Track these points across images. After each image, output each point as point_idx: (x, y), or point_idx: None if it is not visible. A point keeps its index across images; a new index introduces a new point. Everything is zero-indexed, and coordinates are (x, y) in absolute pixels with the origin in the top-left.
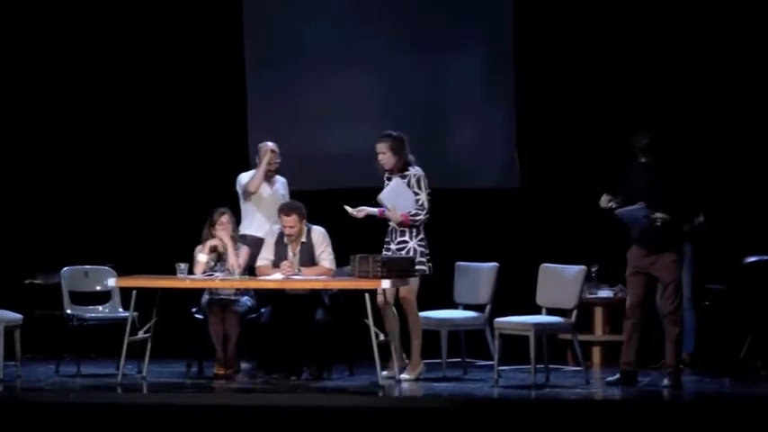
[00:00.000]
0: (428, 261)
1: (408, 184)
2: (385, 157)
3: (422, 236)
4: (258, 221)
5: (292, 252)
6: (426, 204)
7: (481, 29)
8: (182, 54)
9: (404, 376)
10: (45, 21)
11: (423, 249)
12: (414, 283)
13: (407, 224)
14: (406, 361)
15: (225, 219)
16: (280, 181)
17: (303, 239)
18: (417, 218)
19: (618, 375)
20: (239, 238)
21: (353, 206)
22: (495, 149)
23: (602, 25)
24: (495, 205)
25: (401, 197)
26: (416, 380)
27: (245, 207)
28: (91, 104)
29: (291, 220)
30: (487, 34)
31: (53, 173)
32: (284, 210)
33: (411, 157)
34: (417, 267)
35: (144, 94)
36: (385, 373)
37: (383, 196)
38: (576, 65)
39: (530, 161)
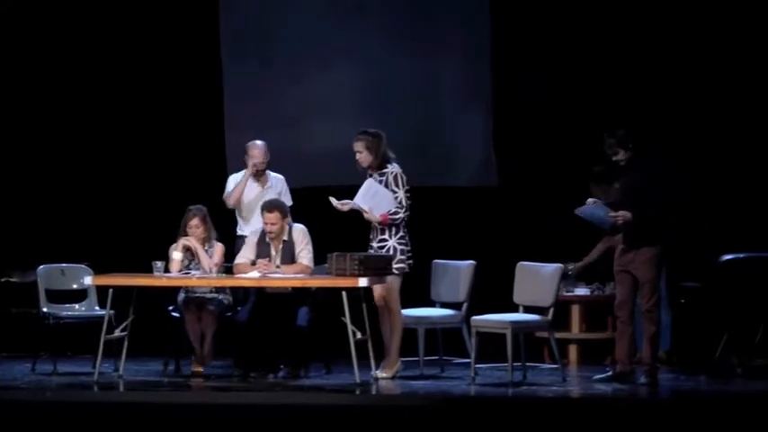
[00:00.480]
0: (408, 259)
1: (386, 182)
2: (362, 155)
3: (401, 233)
4: (252, 223)
5: (275, 250)
6: (405, 202)
7: (458, 28)
8: (157, 50)
9: (380, 374)
10: (20, 19)
11: (403, 247)
12: (395, 281)
13: (387, 223)
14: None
15: (194, 222)
16: (273, 179)
17: (285, 238)
18: (397, 216)
19: (609, 372)
20: (238, 240)
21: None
22: (472, 148)
23: (579, 25)
24: (472, 203)
25: (377, 197)
26: (393, 378)
27: (238, 209)
28: (66, 103)
29: (273, 217)
30: (465, 34)
31: (29, 171)
32: (266, 207)
33: (391, 155)
34: (397, 266)
35: (119, 91)
36: (379, 371)
37: (357, 199)
38: (552, 64)
39: (507, 159)
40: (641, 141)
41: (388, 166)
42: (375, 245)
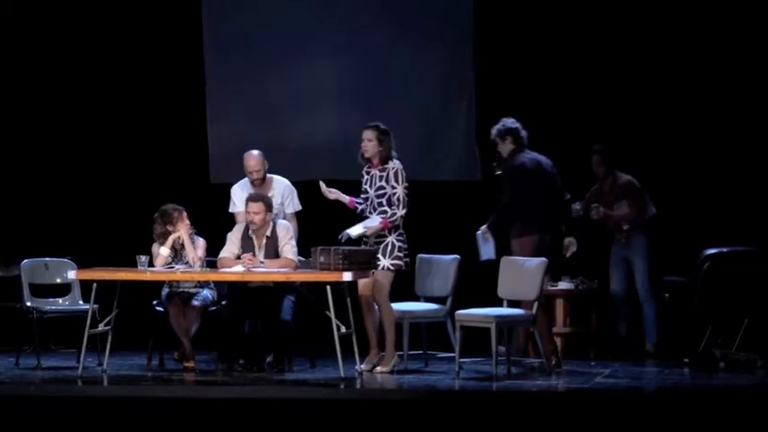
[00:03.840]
0: (405, 256)
1: (386, 177)
2: (370, 144)
3: (400, 230)
4: None
5: (258, 246)
6: (403, 198)
7: (442, 24)
8: (140, 46)
9: (378, 369)
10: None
11: (401, 244)
12: (386, 277)
13: (388, 227)
14: (382, 354)
15: (184, 215)
16: (277, 183)
17: (268, 234)
18: (395, 217)
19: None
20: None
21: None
22: (456, 142)
23: (563, 22)
24: (456, 198)
25: (367, 221)
26: (391, 372)
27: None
28: (49, 99)
29: (256, 206)
30: (449, 29)
31: (12, 166)
32: (251, 197)
33: (394, 153)
34: (393, 262)
35: (103, 87)
36: (363, 366)
37: (351, 231)
38: (536, 59)
39: (491, 154)
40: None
41: (390, 162)
42: (372, 241)
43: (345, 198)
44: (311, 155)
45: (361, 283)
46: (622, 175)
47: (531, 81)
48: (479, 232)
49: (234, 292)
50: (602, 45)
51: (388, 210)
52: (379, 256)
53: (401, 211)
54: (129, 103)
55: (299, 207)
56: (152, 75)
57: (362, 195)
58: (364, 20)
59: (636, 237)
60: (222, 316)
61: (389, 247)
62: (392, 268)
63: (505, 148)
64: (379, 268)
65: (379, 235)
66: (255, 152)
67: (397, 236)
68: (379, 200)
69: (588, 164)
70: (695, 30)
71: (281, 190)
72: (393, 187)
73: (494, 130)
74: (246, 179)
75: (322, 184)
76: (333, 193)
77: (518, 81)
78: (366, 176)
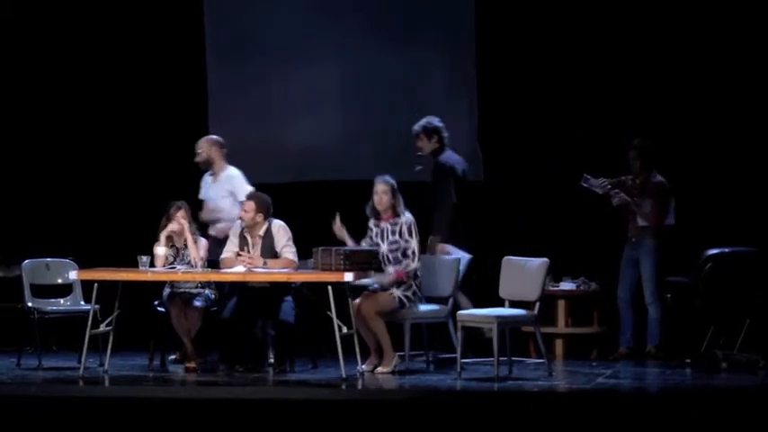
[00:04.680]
0: (414, 295)
1: (399, 231)
2: (385, 197)
3: (420, 279)
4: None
5: (252, 244)
6: (417, 251)
7: (444, 23)
8: (142, 47)
9: (380, 369)
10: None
11: (416, 290)
12: (391, 303)
13: (403, 279)
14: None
15: (180, 213)
16: (226, 174)
17: (261, 233)
18: (410, 268)
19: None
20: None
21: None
22: (458, 143)
23: (565, 20)
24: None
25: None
26: (393, 372)
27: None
28: (50, 99)
29: (248, 205)
30: (450, 30)
31: (13, 166)
32: (248, 195)
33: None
34: (406, 294)
35: (105, 88)
36: (364, 366)
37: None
38: (537, 59)
39: (492, 154)
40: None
41: (402, 216)
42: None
43: (349, 240)
44: (313, 156)
45: (365, 304)
46: (657, 174)
47: (533, 80)
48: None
49: (234, 292)
50: (605, 43)
51: (403, 261)
52: (394, 287)
53: (415, 264)
54: (130, 103)
55: (249, 189)
56: (154, 75)
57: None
58: (365, 20)
59: (647, 238)
60: (222, 316)
61: (411, 286)
62: (401, 300)
63: (430, 146)
64: (389, 292)
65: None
66: (209, 137)
67: (418, 283)
68: (394, 254)
69: (591, 161)
70: (692, 27)
71: (230, 179)
72: (407, 241)
73: (418, 127)
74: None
75: (337, 219)
76: (342, 232)
77: (520, 80)
78: (375, 229)
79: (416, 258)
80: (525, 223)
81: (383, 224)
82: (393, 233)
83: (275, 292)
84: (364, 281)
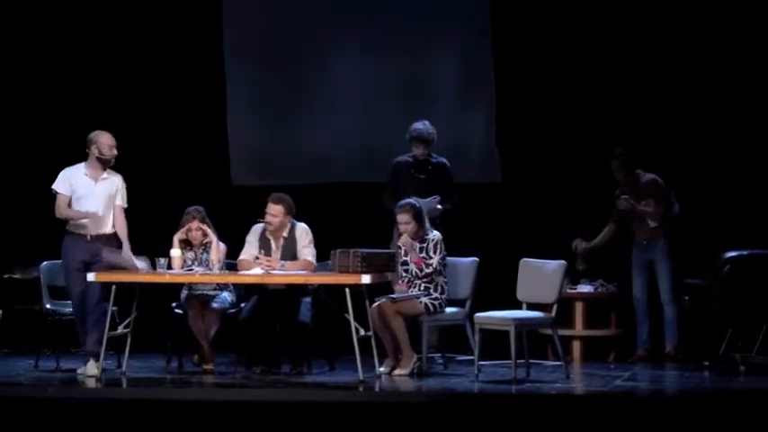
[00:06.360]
0: (441, 306)
1: (426, 248)
2: (409, 227)
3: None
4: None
5: (275, 247)
6: (438, 266)
7: (460, 25)
8: (161, 48)
9: (397, 371)
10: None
11: (443, 300)
12: (415, 308)
13: (421, 265)
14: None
15: (194, 224)
16: (113, 176)
17: (285, 235)
18: (428, 270)
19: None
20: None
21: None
22: (475, 144)
23: (582, 21)
24: (475, 200)
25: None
26: (410, 374)
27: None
28: (68, 101)
29: (277, 209)
30: (466, 30)
31: (32, 168)
32: (273, 198)
33: (427, 224)
34: (432, 302)
35: (124, 89)
36: (382, 368)
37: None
38: (554, 59)
39: (510, 156)
40: None
41: (429, 233)
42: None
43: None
44: (332, 157)
45: (388, 302)
46: (645, 174)
47: (551, 81)
48: None
49: (251, 294)
50: (623, 42)
51: (429, 275)
52: (423, 296)
53: (438, 278)
54: (147, 105)
55: (126, 205)
56: (173, 77)
57: (402, 267)
58: (382, 22)
59: (659, 239)
60: (240, 318)
61: (437, 298)
62: (427, 306)
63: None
64: (418, 299)
65: (431, 281)
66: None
67: (444, 297)
68: (423, 271)
69: (608, 162)
70: (715, 29)
71: (117, 182)
72: (430, 257)
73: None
74: (82, 164)
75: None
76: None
77: (537, 81)
78: (405, 248)
79: (436, 273)
80: (543, 225)
81: (413, 243)
82: (421, 250)
83: (293, 293)
84: (396, 296)
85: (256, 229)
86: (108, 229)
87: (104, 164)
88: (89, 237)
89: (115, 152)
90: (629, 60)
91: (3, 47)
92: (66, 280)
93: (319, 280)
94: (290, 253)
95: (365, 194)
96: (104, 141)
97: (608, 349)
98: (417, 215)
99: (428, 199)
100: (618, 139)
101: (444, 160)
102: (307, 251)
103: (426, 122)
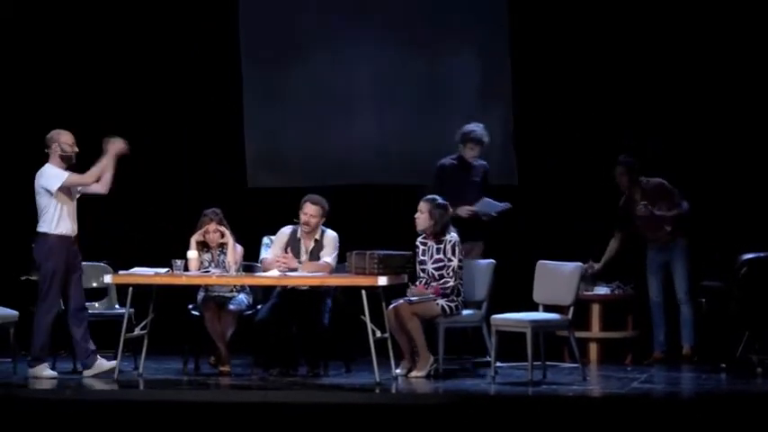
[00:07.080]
0: (457, 308)
1: (443, 250)
2: (422, 216)
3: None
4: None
5: (305, 248)
6: (457, 270)
7: (478, 26)
8: (177, 51)
9: (414, 373)
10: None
11: (459, 304)
12: (432, 310)
13: (440, 293)
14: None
15: (212, 227)
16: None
17: (317, 237)
18: (447, 286)
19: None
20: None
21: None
22: (492, 146)
23: (599, 23)
24: None
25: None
26: (427, 376)
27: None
28: (84, 101)
29: (315, 210)
30: (484, 31)
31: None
32: (312, 199)
33: (452, 226)
34: (448, 305)
35: (142, 90)
36: (399, 370)
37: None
38: (572, 61)
39: (527, 158)
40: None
41: (447, 234)
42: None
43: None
44: (348, 158)
45: (405, 304)
46: (650, 179)
47: (569, 82)
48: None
49: (269, 295)
50: (641, 45)
51: (444, 277)
52: (440, 298)
53: (453, 282)
54: (164, 106)
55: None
56: (190, 79)
57: (420, 267)
58: (399, 25)
59: (676, 240)
60: (257, 320)
61: (454, 300)
62: (444, 308)
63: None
64: (435, 301)
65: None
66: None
67: (461, 300)
68: (439, 272)
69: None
70: (734, 32)
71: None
72: (449, 259)
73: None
74: (47, 165)
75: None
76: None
77: (555, 83)
78: (422, 247)
79: (456, 277)
80: (559, 227)
81: (430, 242)
82: (438, 251)
83: (314, 295)
84: (412, 299)
85: (285, 230)
86: (76, 228)
87: (67, 161)
88: (73, 238)
89: (76, 149)
90: (648, 61)
91: (5, 47)
92: (48, 283)
93: (335, 281)
94: (317, 257)
95: (382, 196)
96: (65, 140)
97: (625, 351)
98: (435, 212)
99: (501, 204)
100: (632, 141)
101: (485, 162)
102: (326, 252)
103: (480, 124)
